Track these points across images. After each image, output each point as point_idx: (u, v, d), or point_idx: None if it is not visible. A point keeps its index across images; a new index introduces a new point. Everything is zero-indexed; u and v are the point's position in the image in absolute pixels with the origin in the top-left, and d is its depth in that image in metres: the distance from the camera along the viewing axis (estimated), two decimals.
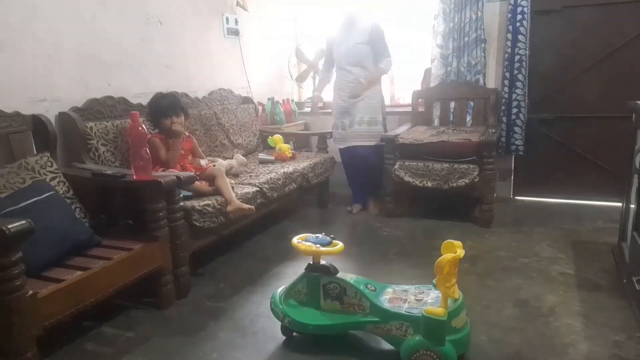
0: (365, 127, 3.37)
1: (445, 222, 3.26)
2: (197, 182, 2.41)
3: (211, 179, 2.56)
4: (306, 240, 1.86)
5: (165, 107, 2.60)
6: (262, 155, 3.47)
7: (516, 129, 3.55)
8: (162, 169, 2.48)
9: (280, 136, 3.66)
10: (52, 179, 2.11)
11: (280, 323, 1.89)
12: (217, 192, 2.49)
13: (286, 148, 3.53)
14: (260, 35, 4.10)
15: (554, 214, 3.40)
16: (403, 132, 3.44)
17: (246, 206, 2.52)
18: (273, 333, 1.94)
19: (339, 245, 1.84)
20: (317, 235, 1.89)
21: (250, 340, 1.92)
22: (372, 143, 3.38)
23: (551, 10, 3.51)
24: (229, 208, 2.45)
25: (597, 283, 2.31)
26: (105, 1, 2.66)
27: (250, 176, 2.97)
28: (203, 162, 2.78)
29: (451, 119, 3.76)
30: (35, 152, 2.23)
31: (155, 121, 2.63)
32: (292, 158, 3.49)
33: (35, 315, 1.57)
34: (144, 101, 2.75)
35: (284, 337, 1.91)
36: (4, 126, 2.11)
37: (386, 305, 1.73)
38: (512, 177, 3.86)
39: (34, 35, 2.30)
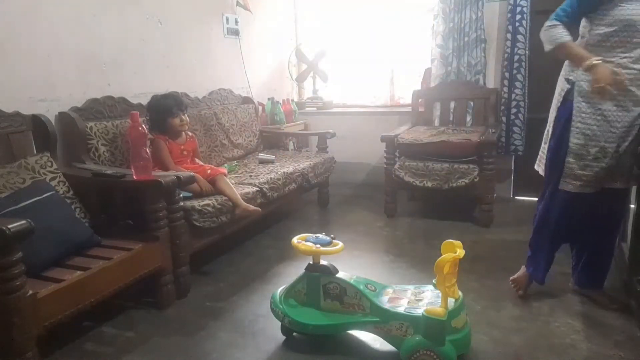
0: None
1: (445, 222, 3.26)
2: (196, 184, 2.41)
3: (212, 181, 2.55)
4: (306, 240, 1.86)
5: (170, 105, 2.60)
6: (262, 155, 3.47)
7: (515, 129, 3.56)
8: (159, 169, 2.47)
9: None
10: (52, 179, 2.10)
11: (280, 323, 1.89)
12: (218, 192, 2.49)
13: None
14: (260, 35, 4.10)
15: None
16: (403, 132, 3.44)
17: (252, 208, 2.53)
18: (273, 333, 1.94)
19: (339, 245, 1.84)
20: (317, 235, 1.89)
21: (250, 340, 1.92)
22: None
23: (551, 10, 3.49)
24: (237, 211, 2.48)
25: None
26: (105, 1, 2.66)
27: (250, 176, 2.96)
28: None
29: (451, 119, 3.76)
30: (35, 152, 2.23)
31: (160, 122, 2.61)
32: None
33: (35, 315, 1.57)
34: (144, 101, 2.75)
35: (284, 337, 1.91)
36: (4, 126, 2.10)
37: (386, 305, 1.74)
38: (512, 177, 3.86)
39: (34, 35, 2.30)
